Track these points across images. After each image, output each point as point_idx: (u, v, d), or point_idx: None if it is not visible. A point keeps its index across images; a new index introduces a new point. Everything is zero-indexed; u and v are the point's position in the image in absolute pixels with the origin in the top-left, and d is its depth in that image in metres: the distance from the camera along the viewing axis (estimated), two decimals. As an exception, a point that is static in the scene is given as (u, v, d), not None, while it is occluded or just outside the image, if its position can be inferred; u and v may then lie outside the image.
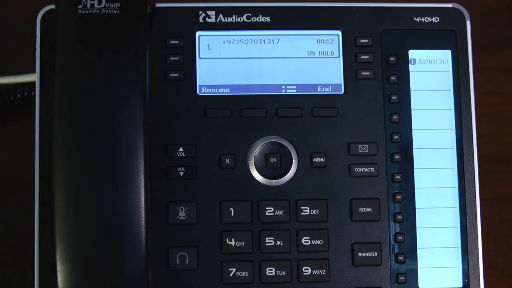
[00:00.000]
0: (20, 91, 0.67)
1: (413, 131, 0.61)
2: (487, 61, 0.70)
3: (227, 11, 0.62)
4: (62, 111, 0.55)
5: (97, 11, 0.56)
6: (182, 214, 0.59)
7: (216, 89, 0.61)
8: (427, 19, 0.62)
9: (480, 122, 0.63)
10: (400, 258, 0.60)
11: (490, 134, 0.66)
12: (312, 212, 0.60)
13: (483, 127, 0.64)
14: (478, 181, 0.61)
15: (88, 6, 0.56)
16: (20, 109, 0.66)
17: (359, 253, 0.59)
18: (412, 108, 0.61)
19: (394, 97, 0.61)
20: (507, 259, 0.65)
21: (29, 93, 0.66)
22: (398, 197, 0.60)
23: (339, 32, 0.62)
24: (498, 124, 0.68)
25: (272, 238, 0.59)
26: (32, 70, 0.60)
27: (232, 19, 0.62)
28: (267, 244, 0.59)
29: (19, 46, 0.67)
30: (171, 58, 0.61)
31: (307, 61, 0.62)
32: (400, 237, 0.60)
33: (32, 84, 0.66)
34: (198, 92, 0.61)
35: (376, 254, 0.60)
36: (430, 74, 0.62)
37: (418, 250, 0.60)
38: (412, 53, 0.62)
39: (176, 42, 0.61)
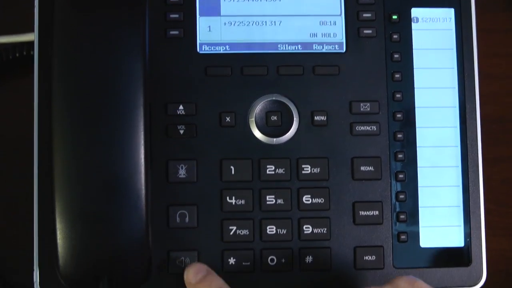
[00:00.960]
0: (19, 50, 0.66)
1: (415, 89, 0.61)
2: (490, 22, 0.69)
3: None
4: (61, 69, 0.54)
5: (96, -32, 0.56)
6: (182, 172, 0.59)
7: (217, 47, 0.60)
8: (430, -23, 0.62)
9: (483, 82, 0.62)
10: (402, 217, 0.60)
11: (493, 94, 0.66)
12: (313, 170, 0.59)
13: (485, 88, 0.63)
14: (481, 141, 0.61)
15: (87, -37, 0.56)
16: (20, 69, 0.65)
17: (360, 212, 0.59)
18: (414, 66, 0.61)
19: (396, 56, 0.61)
20: (508, 219, 0.65)
21: (28, 52, 0.66)
22: (400, 155, 0.60)
23: (341, -10, 0.62)
24: (501, 85, 0.67)
25: (273, 196, 0.59)
26: (31, 29, 0.60)
27: (233, -24, 0.61)
28: (267, 203, 0.59)
29: (18, 5, 0.66)
30: (171, 16, 0.60)
31: (309, 18, 0.61)
32: (401, 196, 0.60)
33: (31, 43, 0.66)
34: (198, 50, 0.60)
35: (377, 213, 0.59)
36: (433, 33, 0.62)
37: (419, 209, 0.60)
38: (415, 11, 0.61)
39: None
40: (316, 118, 0.60)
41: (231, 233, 0.59)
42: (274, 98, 0.60)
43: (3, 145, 0.63)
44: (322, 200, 0.59)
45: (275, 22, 0.61)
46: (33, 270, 0.58)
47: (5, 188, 0.62)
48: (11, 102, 0.65)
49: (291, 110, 0.60)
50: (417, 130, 0.60)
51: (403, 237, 0.60)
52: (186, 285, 0.56)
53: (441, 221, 0.60)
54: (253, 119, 0.59)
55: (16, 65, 0.65)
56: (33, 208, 0.58)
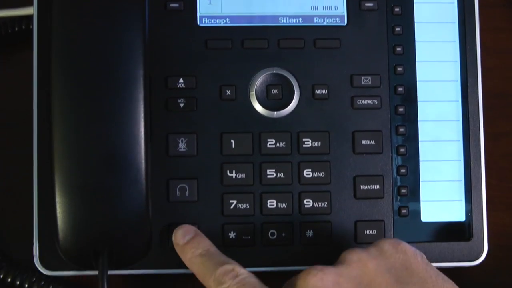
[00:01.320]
0: (18, 24, 0.65)
1: (417, 63, 0.60)
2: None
3: None
4: (60, 42, 0.54)
5: None
6: (182, 146, 0.58)
7: (217, 20, 0.60)
8: (432, -51, 0.61)
9: (485, 57, 0.62)
10: (403, 191, 0.59)
11: (495, 69, 0.65)
12: (314, 144, 0.59)
13: (487, 62, 0.63)
14: (483, 115, 0.60)
15: None
16: (20, 43, 0.65)
17: (361, 186, 0.59)
18: (416, 40, 0.60)
19: (398, 29, 0.60)
20: (510, 193, 0.64)
21: (28, 26, 0.65)
22: (401, 129, 0.60)
23: (342, -37, 0.61)
24: (503, 60, 0.67)
25: (274, 170, 0.59)
26: (30, 3, 0.60)
27: None
28: (268, 177, 0.59)
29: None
30: None
31: (310, -9, 0.61)
32: (402, 170, 0.59)
33: (31, 17, 0.65)
34: (198, 22, 0.60)
35: (378, 187, 0.59)
36: (435, 6, 0.61)
37: (421, 183, 0.60)
38: (417, -16, 0.61)
39: None
40: (317, 91, 0.59)
41: (232, 207, 0.58)
42: (274, 71, 0.59)
43: (3, 119, 0.63)
44: (322, 174, 0.59)
45: (276, -6, 0.60)
46: (32, 244, 0.58)
47: (5, 161, 0.62)
48: (10, 76, 0.64)
49: (292, 84, 0.59)
50: (419, 104, 0.60)
51: (404, 211, 0.59)
52: (174, 246, 0.56)
53: (442, 196, 0.60)
54: (254, 92, 0.59)
55: (15, 39, 0.65)
56: (33, 182, 0.57)
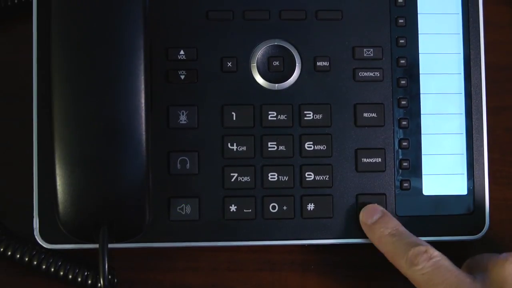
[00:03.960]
0: (17, -4, 0.65)
1: (419, 35, 0.60)
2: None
3: None
4: (59, 12, 0.54)
5: None
6: (183, 118, 0.58)
7: (218, -10, 0.59)
8: None
9: (488, 30, 0.61)
10: (405, 164, 0.59)
11: (497, 43, 0.65)
12: (315, 116, 0.59)
13: (490, 36, 0.62)
14: (485, 89, 0.60)
15: None
16: (20, 15, 0.64)
17: (362, 159, 0.59)
18: (418, 12, 0.60)
19: (400, 1, 0.60)
20: (511, 168, 0.64)
21: (26, -2, 0.65)
22: (403, 102, 0.59)
23: None
24: (506, 34, 0.66)
25: (275, 143, 0.58)
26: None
27: None
28: (269, 149, 0.58)
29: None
30: None
31: (311, -38, 0.60)
32: (404, 143, 0.59)
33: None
34: (199, -7, 0.59)
35: (380, 160, 0.59)
36: (438, -22, 0.61)
37: (422, 156, 0.59)
38: (418, -47, 0.61)
39: None
40: (319, 63, 0.59)
41: (233, 180, 0.58)
42: (276, 43, 0.59)
43: (2, 91, 0.62)
44: (324, 147, 0.59)
45: (277, -35, 0.60)
46: (32, 217, 0.57)
47: (5, 134, 0.62)
48: (12, 49, 0.64)
49: (293, 56, 0.59)
50: (421, 76, 0.60)
51: (405, 184, 0.59)
52: (362, 226, 0.58)
53: (444, 169, 0.60)
54: (255, 64, 0.59)
55: (17, 11, 0.64)
56: (33, 154, 0.57)
